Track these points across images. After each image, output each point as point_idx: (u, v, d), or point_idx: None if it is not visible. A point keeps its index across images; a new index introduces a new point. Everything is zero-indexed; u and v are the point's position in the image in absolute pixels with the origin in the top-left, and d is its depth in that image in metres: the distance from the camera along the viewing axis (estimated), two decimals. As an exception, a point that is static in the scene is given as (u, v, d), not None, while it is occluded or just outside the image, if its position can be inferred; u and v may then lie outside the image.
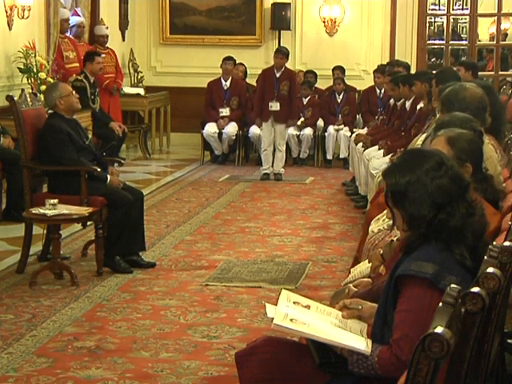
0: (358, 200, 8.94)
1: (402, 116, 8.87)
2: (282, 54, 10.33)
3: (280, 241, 7.34)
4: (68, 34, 10.87)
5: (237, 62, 12.17)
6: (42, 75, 9.18)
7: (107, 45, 11.70)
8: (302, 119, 11.65)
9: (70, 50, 10.74)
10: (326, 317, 3.00)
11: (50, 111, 6.56)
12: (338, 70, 12.30)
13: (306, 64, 12.94)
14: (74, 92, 6.52)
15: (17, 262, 6.23)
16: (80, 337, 4.84)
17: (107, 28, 11.75)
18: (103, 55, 10.89)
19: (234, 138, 11.73)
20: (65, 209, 5.90)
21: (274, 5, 12.80)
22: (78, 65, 10.78)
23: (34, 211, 5.94)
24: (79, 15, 11.25)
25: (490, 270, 2.35)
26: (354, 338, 2.86)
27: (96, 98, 10.40)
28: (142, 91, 12.54)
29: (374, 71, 11.71)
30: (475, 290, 2.20)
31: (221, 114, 11.79)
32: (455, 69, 8.07)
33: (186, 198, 9.19)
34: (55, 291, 5.73)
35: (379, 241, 4.69)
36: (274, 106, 10.31)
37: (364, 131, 10.09)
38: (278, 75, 10.32)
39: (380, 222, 5.03)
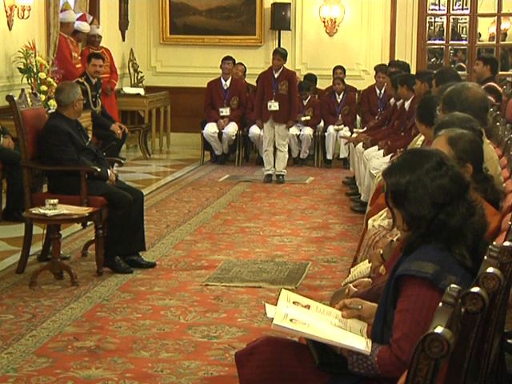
0: (357, 200, 8.93)
1: (401, 116, 8.87)
2: (279, 55, 10.25)
3: (280, 241, 7.33)
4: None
5: (236, 61, 12.17)
6: (42, 75, 9.18)
7: (102, 44, 11.60)
8: (309, 117, 11.61)
9: (75, 51, 10.75)
10: (326, 317, 3.00)
11: (50, 111, 6.55)
12: (340, 70, 12.27)
13: (306, 64, 12.93)
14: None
15: (17, 262, 6.24)
16: (80, 337, 4.85)
17: (98, 27, 11.53)
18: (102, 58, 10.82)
19: (233, 137, 11.73)
20: (65, 209, 5.91)
21: (273, 5, 12.79)
22: (80, 65, 10.78)
23: (34, 211, 5.93)
24: (87, 21, 11.14)
25: (490, 269, 2.35)
26: (354, 338, 2.86)
27: (97, 100, 10.38)
28: (141, 91, 12.54)
29: (377, 71, 11.63)
30: (475, 290, 2.20)
31: (221, 114, 11.79)
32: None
33: (185, 198, 9.19)
34: (55, 291, 5.73)
35: (380, 237, 4.70)
36: (273, 105, 10.28)
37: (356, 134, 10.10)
38: (276, 76, 10.29)
39: (379, 219, 5.04)
